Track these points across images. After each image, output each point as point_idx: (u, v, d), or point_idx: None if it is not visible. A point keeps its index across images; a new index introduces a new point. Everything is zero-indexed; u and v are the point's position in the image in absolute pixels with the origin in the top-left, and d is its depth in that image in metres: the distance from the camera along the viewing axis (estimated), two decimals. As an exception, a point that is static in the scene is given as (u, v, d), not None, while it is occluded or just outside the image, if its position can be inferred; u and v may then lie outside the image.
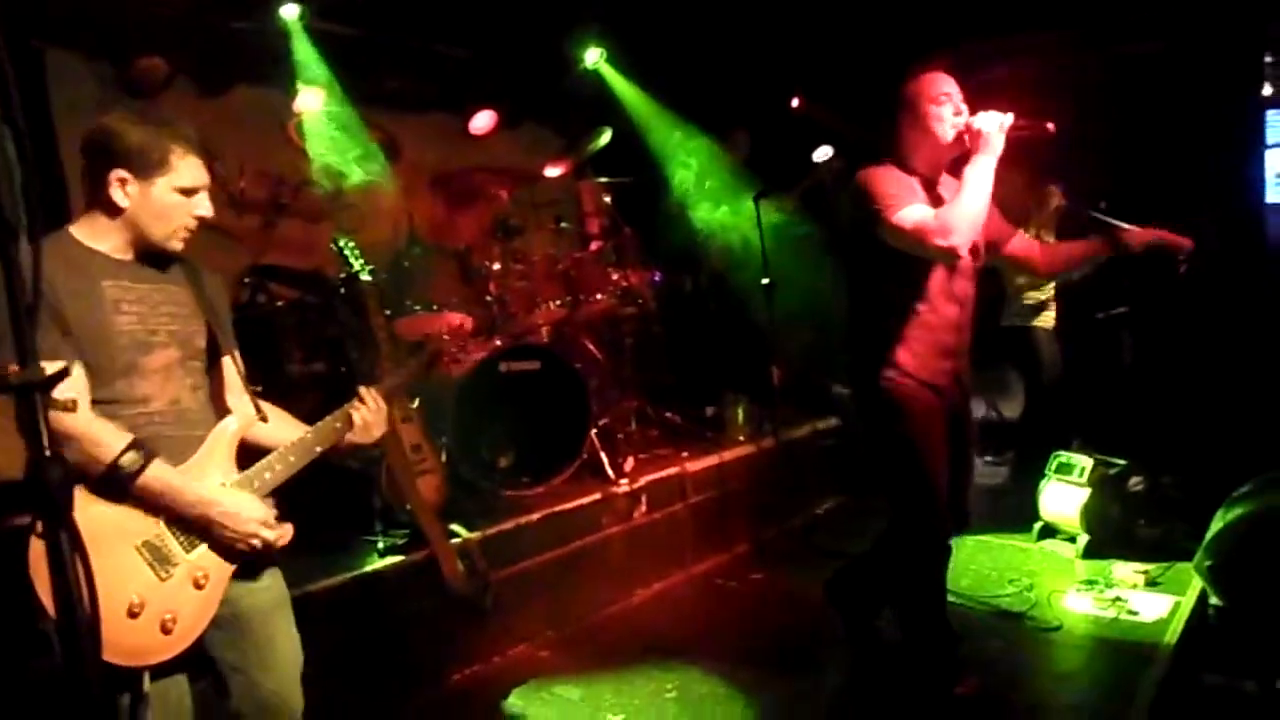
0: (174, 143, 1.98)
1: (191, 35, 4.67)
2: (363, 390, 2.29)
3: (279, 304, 4.47)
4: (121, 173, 1.94)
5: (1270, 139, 6.62)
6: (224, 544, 1.99)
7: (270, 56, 4.93)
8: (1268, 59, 6.55)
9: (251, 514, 2.00)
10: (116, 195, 1.95)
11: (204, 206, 2.05)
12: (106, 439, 1.84)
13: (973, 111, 2.80)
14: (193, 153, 2.01)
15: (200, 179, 2.03)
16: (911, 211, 2.72)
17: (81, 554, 1.09)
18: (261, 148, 4.74)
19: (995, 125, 2.70)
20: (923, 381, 2.92)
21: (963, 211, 2.67)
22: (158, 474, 1.88)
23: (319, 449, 2.19)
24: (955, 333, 2.96)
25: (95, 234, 1.99)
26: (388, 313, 4.37)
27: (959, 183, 2.76)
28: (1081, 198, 5.42)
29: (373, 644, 3.35)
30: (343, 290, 4.23)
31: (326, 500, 3.83)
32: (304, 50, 4.88)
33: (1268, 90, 6.61)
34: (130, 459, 1.83)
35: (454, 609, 3.59)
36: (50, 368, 1.21)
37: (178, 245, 2.06)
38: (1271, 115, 6.60)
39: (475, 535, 3.77)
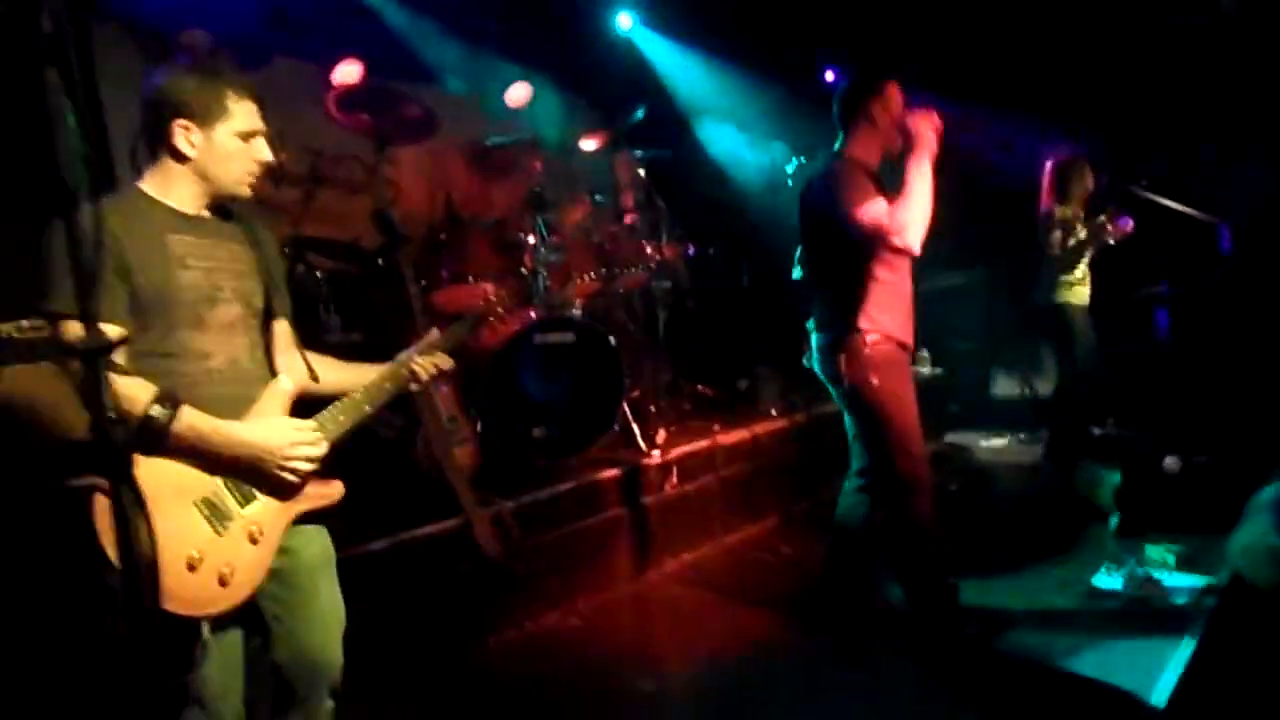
0: (229, 88, 2.03)
1: (232, 7, 4.72)
2: (414, 353, 2.39)
3: (318, 274, 4.54)
4: (184, 121, 2.00)
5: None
6: (274, 482, 2.04)
7: (308, 29, 4.98)
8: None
9: (282, 440, 2.03)
10: (182, 144, 2.01)
11: (264, 151, 2.11)
12: (135, 393, 1.86)
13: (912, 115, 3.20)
14: (247, 97, 2.06)
15: (257, 123, 2.09)
16: (871, 208, 3.08)
17: (143, 512, 1.15)
18: (301, 120, 4.79)
19: (929, 127, 3.12)
20: (899, 342, 3.31)
21: (912, 210, 3.04)
22: (190, 422, 1.91)
23: (390, 389, 2.31)
24: (912, 299, 3.39)
25: (164, 187, 2.05)
26: (424, 283, 4.44)
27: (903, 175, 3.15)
28: (1122, 175, 5.36)
29: (408, 609, 3.43)
30: (380, 261, 4.29)
31: (363, 468, 3.93)
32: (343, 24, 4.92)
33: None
34: (159, 411, 1.85)
35: (488, 575, 3.66)
36: (111, 332, 1.27)
37: (246, 191, 2.12)
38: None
39: (510, 504, 3.83)
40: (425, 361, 2.39)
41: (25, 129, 4.37)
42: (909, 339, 3.38)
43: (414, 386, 2.40)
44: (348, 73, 5.05)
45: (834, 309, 3.38)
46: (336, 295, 4.52)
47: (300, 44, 5.04)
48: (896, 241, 3.03)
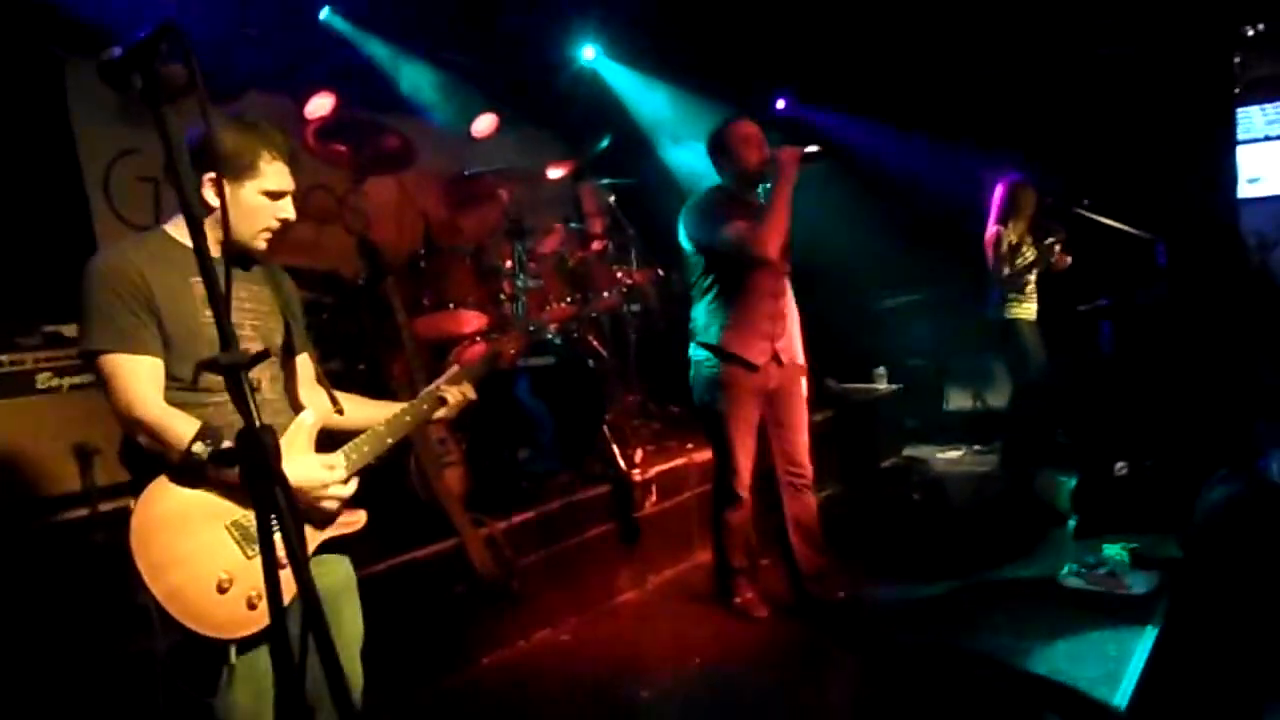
0: (264, 148, 2.11)
1: (204, 40, 4.75)
2: (443, 384, 2.49)
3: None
4: (212, 174, 2.06)
5: (1240, 135, 6.91)
6: (306, 516, 2.11)
7: (281, 61, 5.05)
8: (1237, 59, 6.82)
9: (309, 479, 2.09)
10: (207, 195, 2.07)
11: (288, 210, 2.18)
12: (179, 428, 1.94)
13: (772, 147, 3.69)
14: (280, 158, 2.14)
15: (286, 184, 2.16)
16: (733, 227, 3.60)
17: (294, 506, 1.23)
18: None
19: (791, 158, 3.57)
20: (743, 360, 3.73)
21: (769, 227, 3.54)
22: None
23: (410, 423, 2.39)
24: (770, 320, 3.79)
25: (187, 231, 2.13)
26: (404, 312, 4.51)
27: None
28: (1065, 196, 5.66)
29: (405, 629, 3.48)
30: (365, 290, 4.35)
31: (358, 492, 3.97)
32: (319, 56, 4.99)
33: (1236, 89, 6.89)
34: (199, 448, 1.92)
35: (482, 595, 3.73)
36: (127, 364, 1.30)
37: (261, 245, 2.19)
38: (1241, 113, 6.89)
39: (501, 524, 3.91)
40: (455, 390, 2.48)
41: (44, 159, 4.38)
42: (759, 357, 3.75)
43: (440, 414, 2.48)
44: (320, 105, 5.12)
45: (694, 326, 3.89)
46: (314, 324, 4.54)
47: (274, 77, 5.09)
48: (754, 250, 3.52)
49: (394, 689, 3.36)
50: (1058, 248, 5.49)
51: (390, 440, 2.33)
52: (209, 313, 2.10)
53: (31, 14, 4.26)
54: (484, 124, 6.08)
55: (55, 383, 4.22)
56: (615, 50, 6.43)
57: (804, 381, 4.02)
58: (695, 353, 3.91)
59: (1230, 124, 6.90)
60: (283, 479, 1.28)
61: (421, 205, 5.05)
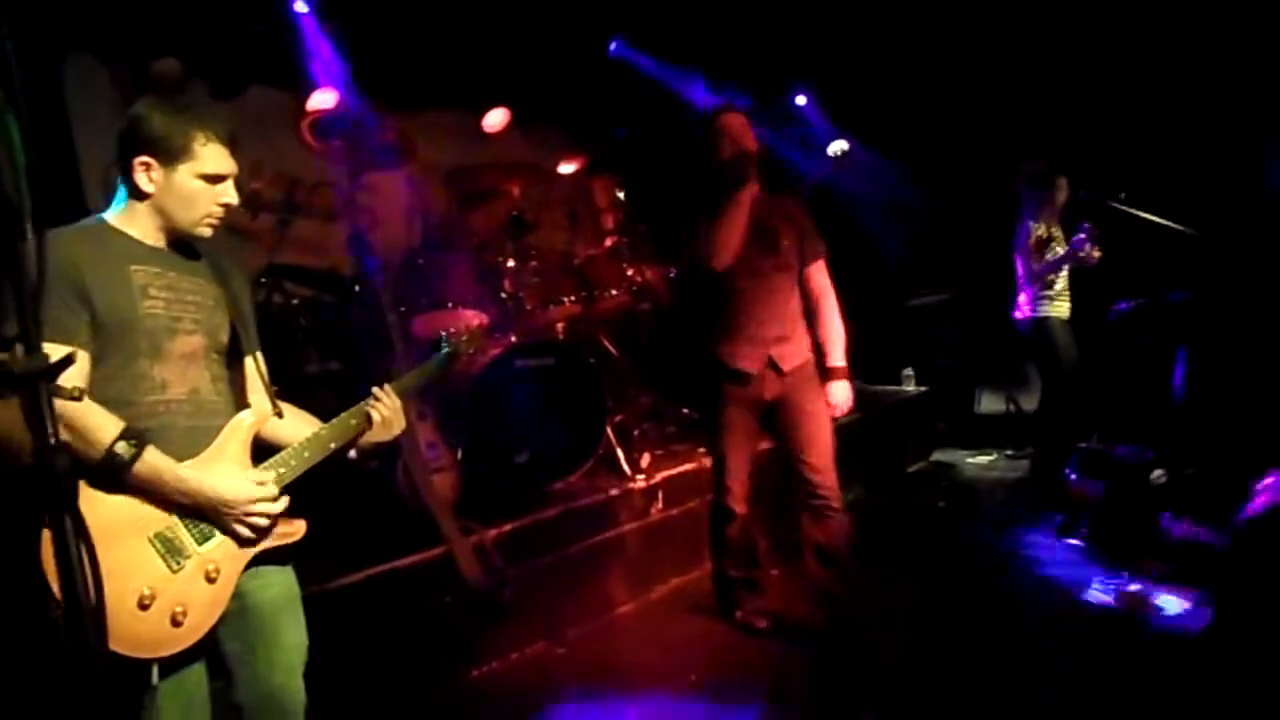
0: (198, 130, 1.99)
1: (206, 36, 4.69)
2: (376, 389, 2.29)
3: (295, 303, 4.49)
4: (145, 158, 1.97)
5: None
6: (231, 531, 1.99)
7: (284, 57, 4.95)
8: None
9: (239, 496, 1.97)
10: (141, 180, 1.98)
11: (230, 195, 2.07)
12: (102, 425, 1.82)
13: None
14: (217, 140, 2.02)
15: (225, 167, 2.05)
16: (698, 239, 3.41)
17: (87, 542, 1.09)
18: (276, 148, 4.76)
19: (745, 159, 3.35)
20: (730, 369, 3.50)
21: (717, 235, 3.35)
22: (153, 463, 1.86)
23: (334, 445, 2.19)
24: (766, 324, 3.49)
25: (128, 220, 2.02)
26: (403, 310, 4.39)
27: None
28: (1100, 189, 5.39)
29: (392, 641, 3.35)
30: (357, 289, 4.24)
31: (345, 499, 3.86)
32: (318, 50, 4.89)
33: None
34: (123, 448, 1.81)
35: (472, 606, 3.59)
36: (55, 354, 1.22)
37: (206, 232, 2.08)
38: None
39: (492, 532, 3.77)
40: (381, 407, 2.27)
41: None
42: (753, 365, 3.49)
43: (368, 436, 2.27)
44: (322, 99, 5.01)
45: (685, 336, 3.90)
46: (315, 324, 4.46)
47: (275, 71, 5.00)
48: (708, 264, 3.35)
49: (378, 703, 3.24)
50: (1087, 246, 5.23)
51: (312, 458, 2.16)
52: (148, 303, 1.99)
53: (29, 8, 4.21)
54: (495, 118, 5.94)
55: None
56: (635, 40, 6.25)
57: (841, 388, 3.60)
58: (699, 359, 3.70)
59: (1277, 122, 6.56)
60: (76, 512, 1.12)
61: (422, 201, 4.92)
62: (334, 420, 2.22)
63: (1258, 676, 3.07)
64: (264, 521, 2.01)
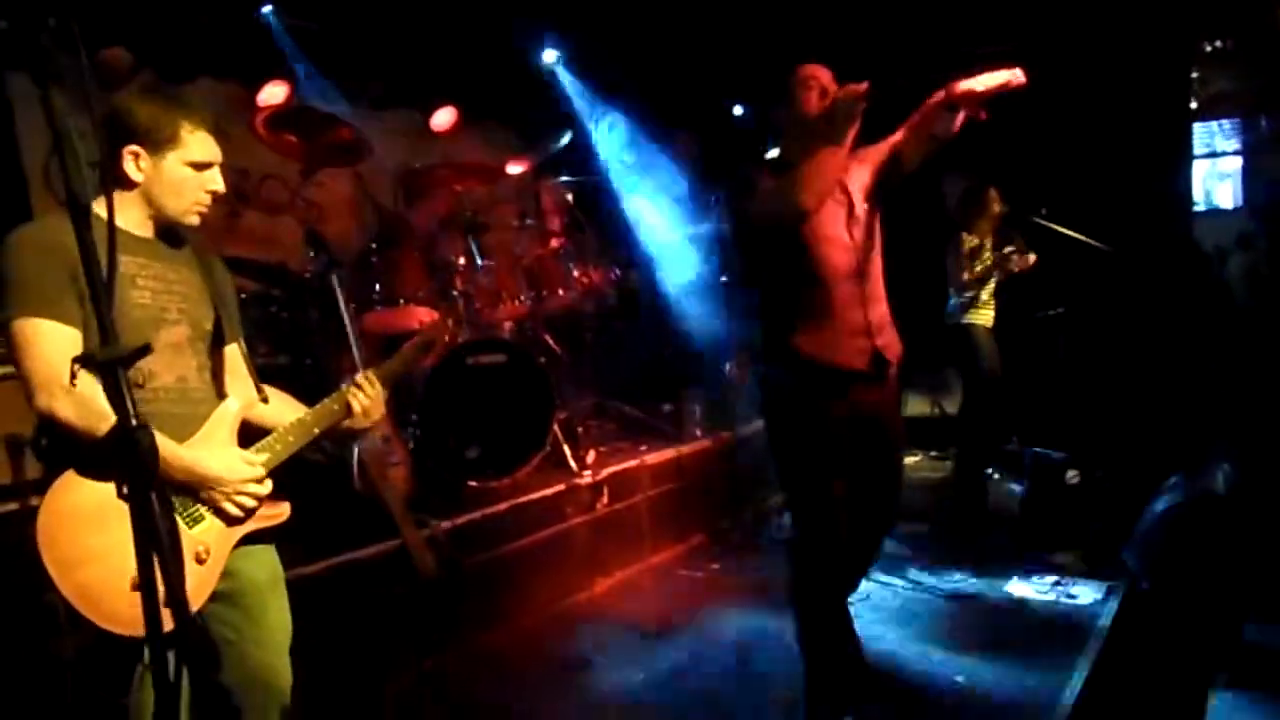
0: (184, 118, 2.05)
1: (155, 26, 4.65)
2: (360, 376, 2.35)
3: (243, 296, 4.46)
4: (134, 147, 2.01)
5: (1197, 150, 6.99)
6: (219, 510, 2.05)
7: (234, 48, 4.94)
8: (1194, 74, 6.91)
9: (235, 474, 2.04)
10: (129, 169, 2.02)
11: (217, 182, 2.13)
12: (106, 405, 1.86)
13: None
14: (203, 128, 2.08)
15: (211, 154, 2.10)
16: (761, 190, 2.80)
17: (168, 514, 1.17)
18: (224, 139, 4.73)
19: (851, 95, 2.66)
20: (831, 367, 2.79)
21: (808, 173, 2.64)
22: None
23: (317, 430, 2.26)
24: (861, 307, 2.81)
25: (116, 209, 2.05)
26: (353, 305, 4.42)
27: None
28: (1021, 204, 5.68)
29: (345, 632, 3.40)
30: (309, 283, 4.26)
31: (299, 491, 3.88)
32: (271, 45, 4.90)
33: (1194, 104, 6.98)
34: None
35: (423, 598, 3.66)
36: (64, 334, 1.24)
37: (193, 219, 2.13)
38: (1198, 128, 6.98)
39: (444, 525, 3.84)
40: (361, 395, 2.32)
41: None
42: (856, 360, 2.80)
43: (348, 422, 2.33)
44: (273, 93, 5.02)
45: (759, 341, 3.00)
46: (264, 317, 4.46)
47: (224, 62, 4.98)
48: (791, 202, 2.63)
49: (333, 692, 3.29)
50: (1015, 255, 5.50)
51: (296, 443, 2.23)
52: (135, 294, 2.04)
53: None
54: (444, 117, 6.00)
55: (-13, 372, 4.08)
56: (573, 57, 6.36)
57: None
58: (765, 373, 3.01)
59: (1187, 138, 6.99)
60: (159, 484, 1.21)
61: (372, 198, 4.96)
62: (317, 406, 2.29)
63: (1162, 663, 3.34)
64: (252, 501, 2.08)
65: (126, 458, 1.14)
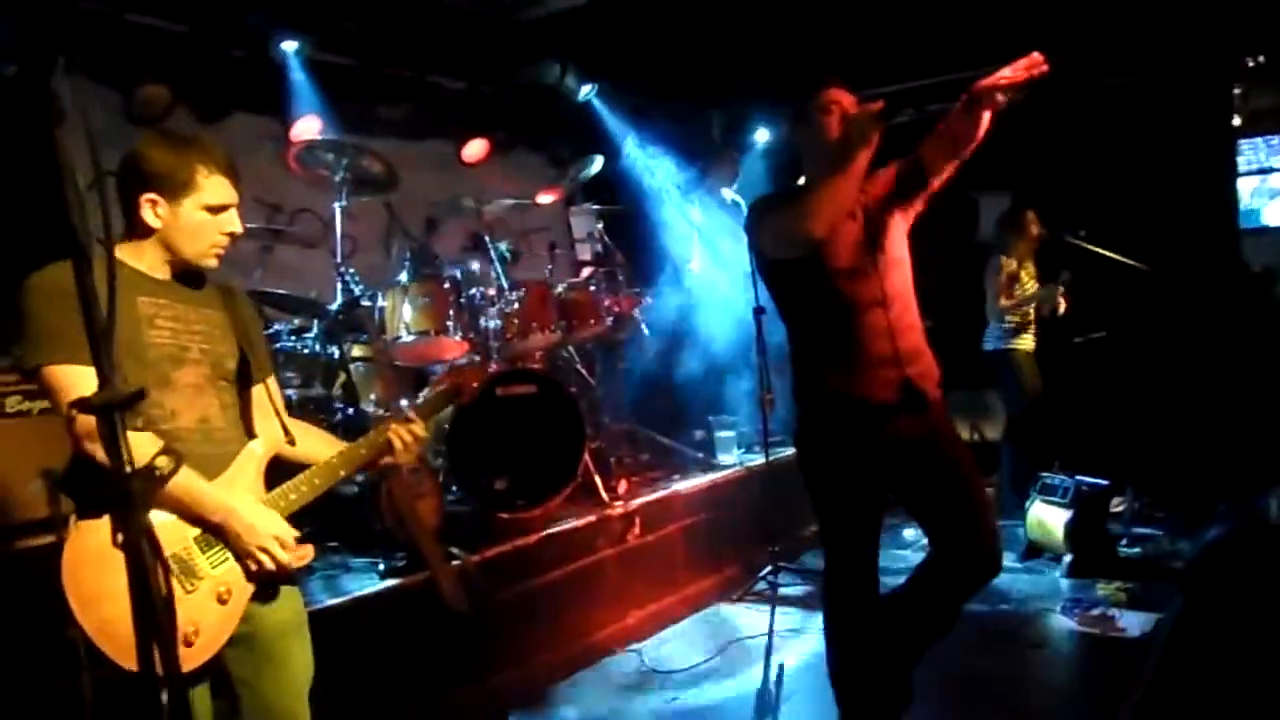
0: (200, 163, 2.04)
1: (192, 63, 4.74)
2: (402, 412, 2.36)
3: (276, 328, 4.51)
4: (151, 195, 2.01)
5: (1241, 167, 6.83)
6: (242, 557, 2.03)
7: (269, 85, 5.02)
8: (1237, 90, 6.76)
9: (267, 528, 2.03)
10: (148, 217, 2.02)
11: (234, 224, 2.12)
12: (141, 441, 1.82)
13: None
14: (219, 171, 2.07)
15: (227, 197, 2.09)
16: (778, 213, 2.75)
17: (161, 562, 1.15)
18: (259, 174, 4.81)
19: (866, 115, 2.57)
20: (858, 400, 2.70)
21: (820, 195, 2.58)
22: (185, 480, 1.91)
23: (343, 473, 2.24)
24: (889, 337, 2.72)
25: (134, 254, 2.07)
26: (385, 338, 4.44)
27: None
28: (1060, 224, 5.59)
29: (371, 664, 3.38)
30: (341, 316, 4.28)
31: (326, 522, 3.89)
32: (303, 80, 4.97)
33: (1237, 120, 6.83)
34: (163, 461, 1.82)
35: (452, 630, 3.63)
36: (78, 376, 1.26)
37: (212, 262, 2.12)
38: (1243, 144, 6.82)
39: (473, 558, 3.81)
40: (403, 431, 2.32)
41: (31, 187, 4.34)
42: (883, 391, 2.70)
43: (387, 459, 2.33)
44: (306, 127, 5.08)
45: (794, 373, 2.90)
46: (296, 349, 4.49)
47: (259, 98, 5.07)
48: (799, 228, 2.56)
49: (358, 727, 3.26)
50: (1061, 290, 5.43)
51: (321, 485, 2.21)
52: (154, 334, 2.04)
53: (17, 27, 4.24)
54: (475, 149, 6.04)
55: (25, 406, 4.13)
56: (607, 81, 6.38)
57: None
58: (799, 410, 2.91)
59: (1231, 155, 6.83)
60: (151, 532, 1.18)
61: (404, 229, 4.98)
62: (344, 449, 2.27)
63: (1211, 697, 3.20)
64: (273, 563, 2.04)
65: (118, 505, 1.12)
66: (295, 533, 2.10)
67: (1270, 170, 6.87)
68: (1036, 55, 2.54)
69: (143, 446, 1.85)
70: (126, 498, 1.12)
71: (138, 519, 1.14)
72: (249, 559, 2.04)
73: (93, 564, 1.86)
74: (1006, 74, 2.57)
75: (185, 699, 1.21)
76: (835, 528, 2.83)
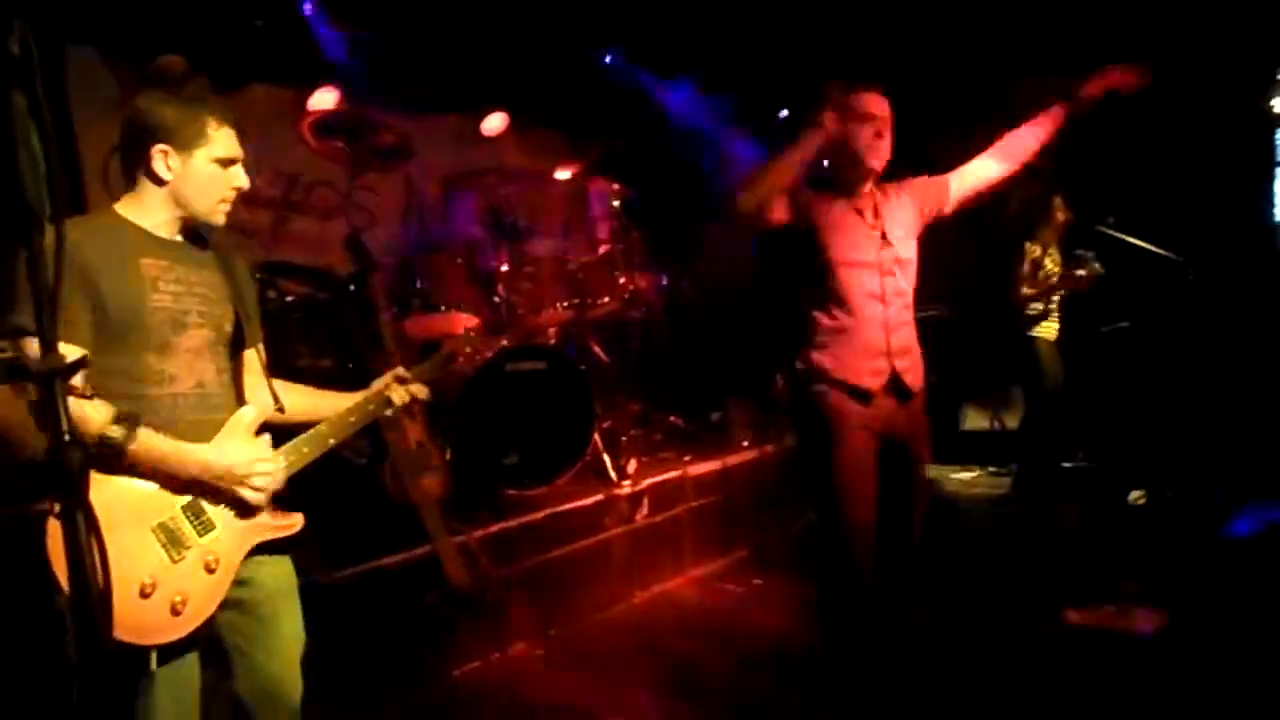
0: (209, 114, 2.02)
1: (209, 33, 4.72)
2: (398, 373, 2.37)
3: (289, 300, 4.51)
4: (163, 146, 1.98)
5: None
6: (235, 500, 2.02)
7: (286, 55, 4.99)
8: (1278, 78, 6.57)
9: (241, 456, 2.01)
10: (159, 169, 1.99)
11: (241, 178, 2.09)
12: (90, 414, 1.83)
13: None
14: (227, 124, 2.05)
15: (236, 150, 2.07)
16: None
17: (98, 536, 1.12)
18: (276, 145, 4.79)
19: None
20: (847, 385, 2.83)
21: (757, 172, 2.74)
22: (148, 444, 1.88)
23: (333, 441, 2.24)
24: (883, 330, 2.85)
25: (140, 210, 2.04)
26: (396, 310, 4.43)
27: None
28: (1088, 212, 5.47)
29: (373, 639, 3.38)
30: (351, 288, 4.27)
31: (330, 495, 3.88)
32: (319, 51, 4.94)
33: (1278, 108, 6.64)
34: (116, 430, 1.83)
35: (455, 606, 3.62)
36: (70, 355, 1.26)
37: (220, 218, 2.10)
38: (1280, 135, 6.63)
39: (478, 533, 3.80)
40: (401, 390, 2.36)
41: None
42: (870, 380, 2.83)
43: (388, 411, 2.36)
44: (323, 99, 5.05)
45: (784, 347, 3.04)
46: (308, 321, 4.48)
47: (277, 69, 5.04)
48: (730, 201, 2.72)
49: (360, 702, 3.27)
50: (1082, 274, 5.31)
51: (333, 441, 2.23)
52: (157, 298, 2.01)
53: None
54: (494, 122, 5.99)
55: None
56: (635, 51, 6.29)
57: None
58: (791, 389, 3.03)
59: (1268, 145, 6.65)
60: (88, 506, 1.15)
61: (420, 203, 4.96)
62: (333, 417, 2.25)
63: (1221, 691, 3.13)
64: (265, 482, 2.04)
65: (56, 475, 1.09)
66: (275, 456, 2.09)
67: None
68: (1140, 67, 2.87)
69: (93, 416, 1.83)
70: (62, 470, 1.09)
71: (74, 491, 1.10)
72: (242, 495, 2.02)
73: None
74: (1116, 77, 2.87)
75: (102, 683, 1.17)
76: (823, 501, 2.92)
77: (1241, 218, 6.43)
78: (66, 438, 1.12)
